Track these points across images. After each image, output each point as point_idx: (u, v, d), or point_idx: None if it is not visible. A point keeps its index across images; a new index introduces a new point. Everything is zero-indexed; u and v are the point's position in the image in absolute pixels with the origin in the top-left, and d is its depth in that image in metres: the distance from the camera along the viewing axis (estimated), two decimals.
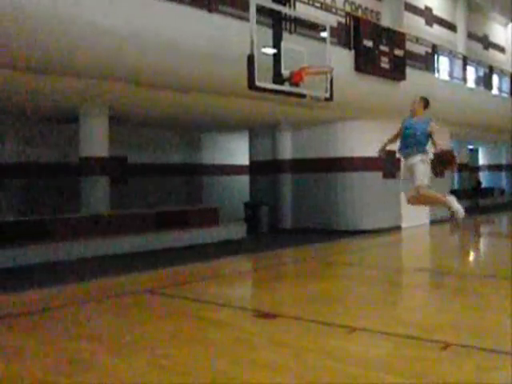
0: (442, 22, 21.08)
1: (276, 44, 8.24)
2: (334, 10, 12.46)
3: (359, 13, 16.12)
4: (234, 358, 4.05)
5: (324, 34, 9.07)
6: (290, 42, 8.59)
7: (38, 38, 7.24)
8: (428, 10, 20.26)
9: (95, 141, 11.13)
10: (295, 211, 14.97)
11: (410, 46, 14.03)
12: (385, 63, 12.38)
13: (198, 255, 10.04)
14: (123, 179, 14.73)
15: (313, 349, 4.23)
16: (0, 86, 8.93)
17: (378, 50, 12.26)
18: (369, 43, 11.97)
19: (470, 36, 22.80)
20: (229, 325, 5.05)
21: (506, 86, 20.24)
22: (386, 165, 13.52)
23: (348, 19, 12.12)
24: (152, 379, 3.66)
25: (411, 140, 6.78)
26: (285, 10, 9.02)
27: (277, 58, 8.17)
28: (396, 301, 6.44)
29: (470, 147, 25.83)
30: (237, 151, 18.81)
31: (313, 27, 10.04)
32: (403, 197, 7.41)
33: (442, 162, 6.52)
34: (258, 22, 7.62)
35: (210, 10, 8.92)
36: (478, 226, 16.48)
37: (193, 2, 9.00)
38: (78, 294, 6.65)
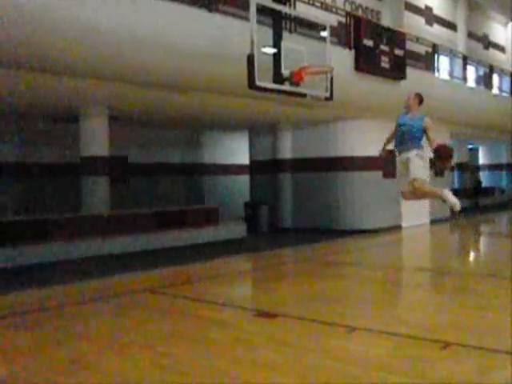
0: (442, 22, 21.05)
1: (276, 43, 8.24)
2: (334, 10, 12.42)
3: (359, 12, 16.08)
4: (234, 357, 4.05)
5: (324, 34, 9.06)
6: (290, 41, 8.59)
7: (38, 38, 7.23)
8: (428, 9, 20.23)
9: (95, 140, 11.12)
10: (295, 211, 14.96)
11: (410, 45, 14.00)
12: (385, 63, 12.37)
13: (198, 255, 10.04)
14: (123, 179, 14.72)
15: (313, 348, 4.23)
16: (0, 86, 8.93)
17: (379, 49, 12.24)
18: (369, 43, 11.95)
19: (471, 35, 22.76)
20: (229, 324, 5.06)
21: (506, 86, 20.21)
22: (386, 164, 13.51)
23: (348, 19, 12.10)
24: (152, 378, 3.67)
25: (406, 136, 6.77)
26: (285, 9, 9.00)
27: (277, 57, 8.17)
28: (396, 300, 6.45)
29: (470, 146, 25.80)
30: (237, 151, 18.80)
31: (313, 27, 10.04)
32: (400, 193, 7.38)
33: (439, 157, 6.51)
34: (258, 22, 7.62)
35: (210, 10, 8.92)
36: (478, 225, 16.48)
37: (193, 1, 8.99)
38: (78, 294, 6.66)
